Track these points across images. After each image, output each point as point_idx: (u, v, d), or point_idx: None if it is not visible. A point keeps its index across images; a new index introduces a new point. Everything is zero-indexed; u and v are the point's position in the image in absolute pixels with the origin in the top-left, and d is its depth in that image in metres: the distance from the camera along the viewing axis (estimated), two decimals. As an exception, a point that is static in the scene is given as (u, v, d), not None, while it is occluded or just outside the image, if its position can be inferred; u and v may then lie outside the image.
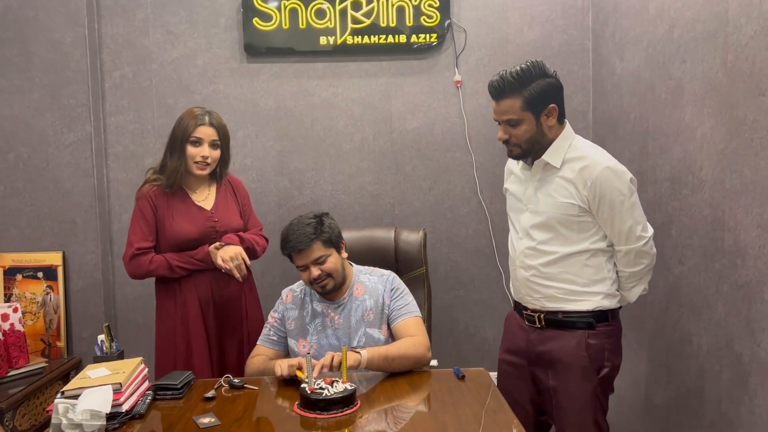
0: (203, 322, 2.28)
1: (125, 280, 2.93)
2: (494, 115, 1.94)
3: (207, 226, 2.29)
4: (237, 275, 2.23)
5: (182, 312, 2.27)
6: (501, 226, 2.98)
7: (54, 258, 2.88)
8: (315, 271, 2.09)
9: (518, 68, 1.87)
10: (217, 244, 2.25)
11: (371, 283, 2.21)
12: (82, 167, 2.90)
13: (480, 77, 2.97)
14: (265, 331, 2.24)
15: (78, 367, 2.81)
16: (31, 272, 2.87)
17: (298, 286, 2.26)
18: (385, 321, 2.16)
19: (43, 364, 2.67)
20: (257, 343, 2.23)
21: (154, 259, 2.25)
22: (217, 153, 2.28)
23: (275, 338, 2.22)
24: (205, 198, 2.34)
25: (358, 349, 1.95)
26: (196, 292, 2.28)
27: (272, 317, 2.24)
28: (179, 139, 2.24)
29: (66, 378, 2.73)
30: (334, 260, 2.12)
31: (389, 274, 2.25)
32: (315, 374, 1.83)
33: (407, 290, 2.23)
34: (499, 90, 1.89)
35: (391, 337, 2.16)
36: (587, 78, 3.01)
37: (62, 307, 2.87)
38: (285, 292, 2.27)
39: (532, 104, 1.86)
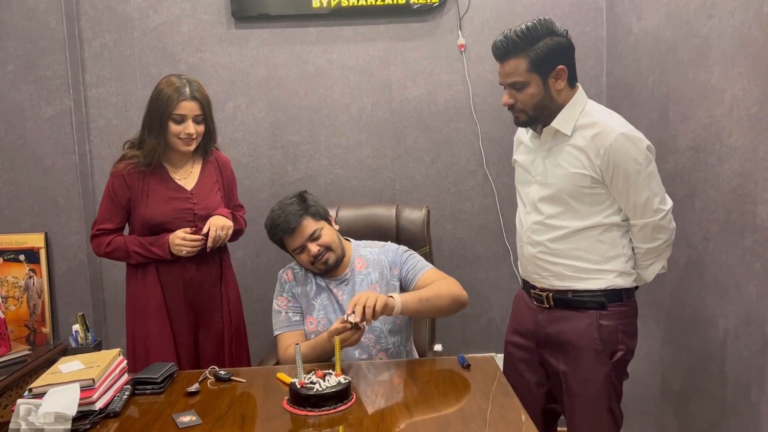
0: (166, 310, 2.14)
1: (112, 261, 2.80)
2: (499, 78, 1.81)
3: (183, 209, 2.13)
4: (209, 244, 2.09)
5: (144, 297, 2.14)
6: (509, 200, 2.83)
7: (36, 240, 2.75)
8: (314, 248, 2.00)
9: (524, 26, 1.75)
10: (187, 229, 2.10)
11: (373, 256, 2.12)
12: (63, 143, 2.75)
13: (485, 40, 2.79)
14: (280, 318, 2.08)
15: (65, 353, 2.69)
16: (12, 255, 2.74)
17: (297, 264, 2.14)
18: (393, 291, 2.02)
19: (26, 352, 2.55)
20: (277, 334, 2.07)
21: (112, 241, 2.14)
22: (201, 128, 2.11)
23: (297, 318, 2.07)
24: (188, 176, 2.18)
25: (390, 294, 1.84)
26: (159, 275, 2.14)
27: (282, 300, 2.10)
28: (159, 115, 2.05)
29: (52, 365, 2.61)
30: (328, 232, 2.04)
31: (388, 244, 2.17)
32: (349, 312, 1.75)
33: (410, 250, 2.16)
34: (503, 50, 1.76)
35: None
36: (601, 40, 2.82)
37: (46, 291, 2.75)
38: (283, 272, 2.14)
39: (539, 65, 1.74)
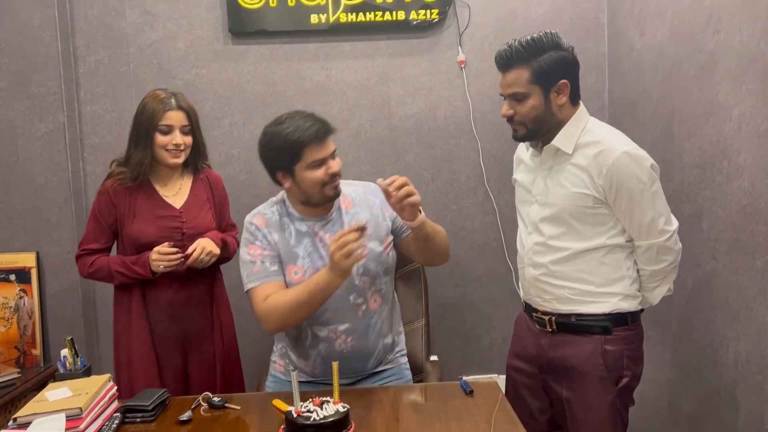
0: (150, 333, 2.07)
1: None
2: (500, 89, 1.77)
3: (171, 227, 2.06)
4: (188, 262, 1.99)
5: (128, 320, 2.07)
6: (510, 218, 2.76)
7: (27, 259, 2.69)
8: (335, 165, 1.80)
9: (529, 37, 1.71)
10: (167, 244, 2.00)
11: (358, 195, 1.94)
12: (56, 160, 2.70)
13: (485, 56, 2.76)
14: (255, 268, 1.81)
15: (55, 377, 2.62)
16: (2, 275, 2.68)
17: (266, 208, 1.93)
18: (384, 233, 1.90)
19: (16, 375, 2.48)
20: (254, 285, 1.80)
21: (96, 261, 2.08)
22: (189, 139, 2.06)
23: (275, 268, 1.82)
24: (176, 193, 2.11)
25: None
26: (144, 296, 2.07)
27: (256, 249, 1.84)
28: (145, 127, 2.01)
29: (42, 388, 2.54)
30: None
31: (373, 186, 1.91)
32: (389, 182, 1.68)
33: None
34: (506, 60, 1.73)
35: (394, 249, 1.94)
36: (602, 56, 2.79)
37: (37, 312, 2.68)
38: (252, 218, 1.90)
39: (541, 77, 1.70)
